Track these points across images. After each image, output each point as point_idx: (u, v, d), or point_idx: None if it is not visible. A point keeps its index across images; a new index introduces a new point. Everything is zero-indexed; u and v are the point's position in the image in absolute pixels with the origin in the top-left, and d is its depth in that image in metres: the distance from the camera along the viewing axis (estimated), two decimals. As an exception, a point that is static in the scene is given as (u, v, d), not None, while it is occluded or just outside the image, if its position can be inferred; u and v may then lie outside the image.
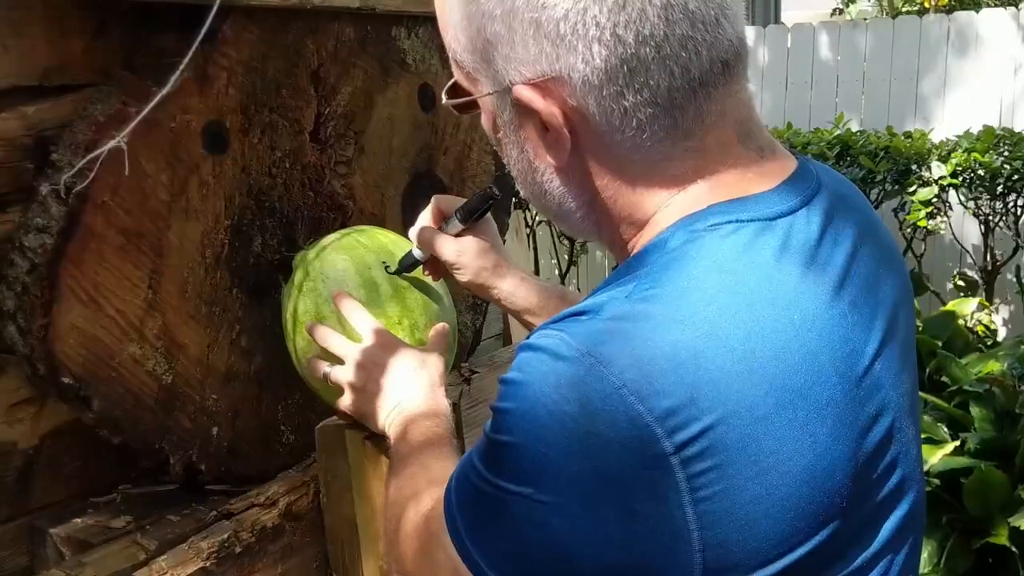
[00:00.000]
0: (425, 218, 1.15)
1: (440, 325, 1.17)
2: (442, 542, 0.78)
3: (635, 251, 0.79)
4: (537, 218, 5.30)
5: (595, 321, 0.72)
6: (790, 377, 0.70)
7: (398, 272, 1.17)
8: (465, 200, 1.12)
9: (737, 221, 0.74)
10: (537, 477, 0.69)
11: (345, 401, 1.10)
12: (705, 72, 0.73)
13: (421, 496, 0.91)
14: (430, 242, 1.12)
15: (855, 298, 0.77)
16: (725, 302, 0.70)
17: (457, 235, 1.11)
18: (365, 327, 1.11)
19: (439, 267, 1.16)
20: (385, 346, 1.09)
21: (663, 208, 0.78)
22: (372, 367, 1.08)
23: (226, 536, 1.10)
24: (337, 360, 1.11)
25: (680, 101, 0.73)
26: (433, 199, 1.15)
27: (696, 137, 0.76)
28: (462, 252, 1.11)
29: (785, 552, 0.70)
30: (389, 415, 1.05)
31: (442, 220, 1.14)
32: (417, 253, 1.15)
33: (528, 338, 0.75)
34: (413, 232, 1.15)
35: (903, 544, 0.82)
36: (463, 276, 1.13)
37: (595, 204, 0.81)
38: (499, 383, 0.74)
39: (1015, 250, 3.98)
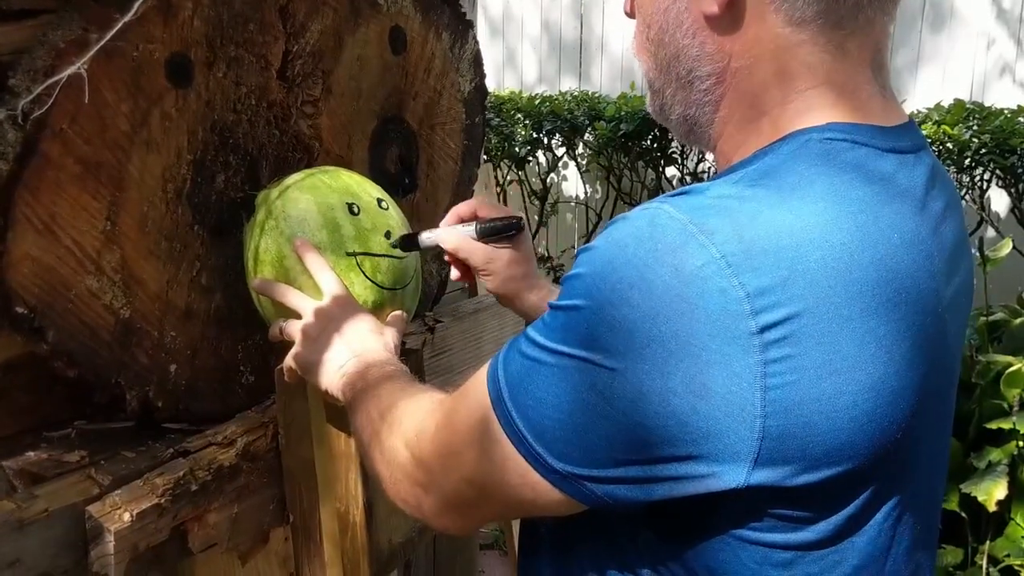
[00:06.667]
0: (454, 214, 1.16)
1: (398, 312, 1.17)
2: (477, 425, 0.78)
3: (744, 148, 0.80)
4: (508, 177, 5.28)
5: (700, 197, 0.73)
6: (880, 289, 0.70)
7: (396, 245, 1.16)
8: (492, 218, 1.14)
9: (853, 142, 0.76)
10: (609, 342, 0.69)
11: (295, 351, 1.09)
12: None
13: (420, 398, 0.91)
14: (460, 246, 1.14)
15: (942, 249, 0.79)
16: (832, 204, 0.71)
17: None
18: (327, 284, 1.10)
19: (466, 265, 1.17)
20: (345, 305, 1.09)
21: (786, 104, 0.78)
22: (329, 322, 1.07)
23: (182, 473, 1.09)
24: (292, 315, 1.10)
25: None
26: (476, 200, 1.18)
27: (843, 30, 0.77)
28: (491, 260, 1.14)
29: (834, 462, 0.70)
30: (344, 364, 1.04)
31: (464, 220, 1.16)
32: (426, 240, 1.16)
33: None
34: (443, 226, 1.16)
35: (918, 527, 0.83)
36: (491, 283, 1.15)
37: (727, 74, 0.81)
38: (577, 254, 0.75)
39: (979, 223, 4.02)
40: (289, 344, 1.11)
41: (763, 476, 0.69)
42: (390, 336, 1.09)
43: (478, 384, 0.80)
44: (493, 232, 1.13)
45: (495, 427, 0.76)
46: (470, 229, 1.14)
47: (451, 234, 1.14)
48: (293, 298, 1.10)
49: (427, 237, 1.17)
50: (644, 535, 0.79)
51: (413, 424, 0.88)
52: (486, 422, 0.77)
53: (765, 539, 0.74)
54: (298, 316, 1.10)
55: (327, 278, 1.10)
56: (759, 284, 0.67)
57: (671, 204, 0.72)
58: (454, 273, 1.20)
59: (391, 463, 0.90)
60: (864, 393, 0.70)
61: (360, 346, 1.05)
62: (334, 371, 1.05)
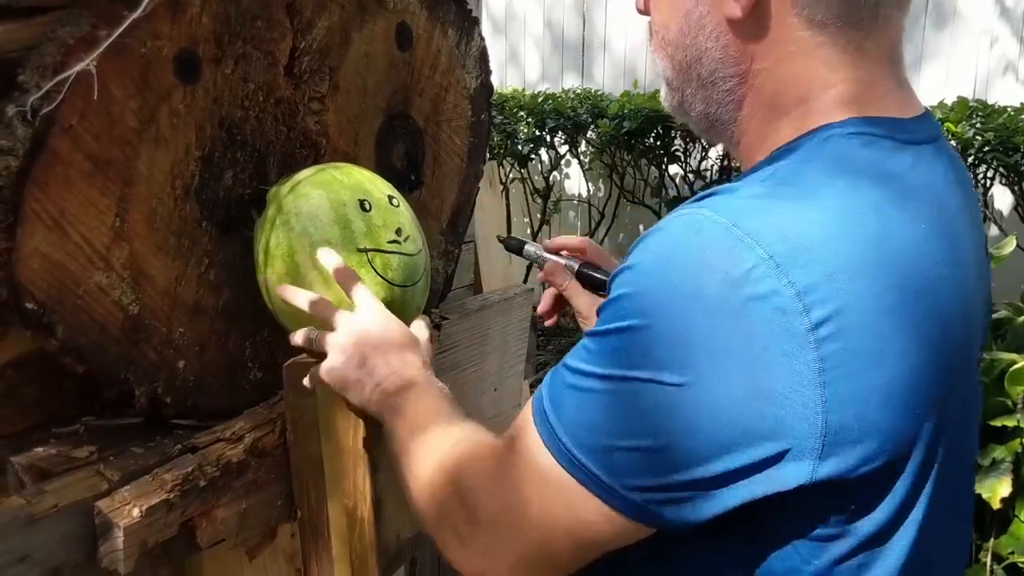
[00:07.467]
0: (563, 244, 1.25)
1: (424, 317, 1.17)
2: (540, 478, 0.76)
3: (766, 146, 0.81)
4: (511, 175, 5.28)
5: (735, 198, 0.73)
6: (913, 278, 0.72)
7: (505, 242, 1.32)
8: (596, 266, 1.22)
9: (872, 135, 0.77)
10: (668, 357, 0.69)
11: (328, 366, 1.07)
12: None
13: (467, 444, 0.88)
14: (568, 286, 1.21)
15: (964, 236, 0.81)
16: (858, 198, 0.72)
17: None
18: (359, 295, 1.08)
19: (557, 307, 1.26)
20: (379, 317, 1.07)
21: (807, 102, 0.79)
22: (364, 335, 1.05)
23: (190, 469, 1.09)
24: (322, 325, 1.10)
25: None
26: (588, 243, 1.25)
27: (863, 31, 0.78)
28: (593, 306, 1.17)
29: (887, 450, 0.72)
30: (382, 382, 1.02)
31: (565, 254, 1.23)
32: (530, 252, 1.28)
33: (652, 228, 0.75)
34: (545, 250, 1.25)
35: (951, 519, 0.84)
36: (588, 326, 1.17)
37: (749, 75, 0.82)
38: (615, 277, 0.74)
39: (983, 221, 4.02)
40: (301, 348, 1.11)
41: (827, 470, 0.70)
42: (425, 349, 1.08)
43: (529, 434, 0.77)
44: (591, 282, 1.21)
45: (561, 476, 0.74)
46: (572, 265, 1.22)
47: (559, 269, 1.22)
48: (324, 309, 1.08)
49: (532, 252, 1.28)
50: (707, 544, 0.78)
51: (465, 481, 0.84)
52: (549, 472, 0.75)
53: (826, 533, 0.75)
54: (318, 322, 1.09)
55: (358, 288, 1.08)
56: (807, 281, 0.68)
57: (709, 208, 0.72)
58: (543, 306, 1.27)
59: (443, 519, 0.86)
60: (908, 379, 0.71)
61: (398, 362, 1.03)
62: (370, 389, 1.03)
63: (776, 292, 0.67)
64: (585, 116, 4.82)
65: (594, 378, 0.73)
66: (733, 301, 0.67)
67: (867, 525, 0.75)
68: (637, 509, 0.73)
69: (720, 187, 0.75)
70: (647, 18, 0.90)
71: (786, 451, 0.69)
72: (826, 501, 0.73)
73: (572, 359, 0.76)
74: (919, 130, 0.81)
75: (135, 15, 1.00)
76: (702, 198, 0.75)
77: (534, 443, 0.76)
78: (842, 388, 0.68)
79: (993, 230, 4.18)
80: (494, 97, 1.64)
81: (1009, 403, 2.52)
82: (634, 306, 0.71)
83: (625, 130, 4.61)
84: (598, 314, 0.75)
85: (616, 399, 0.71)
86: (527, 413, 0.79)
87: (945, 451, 0.79)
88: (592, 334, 0.74)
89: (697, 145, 4.69)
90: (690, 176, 4.75)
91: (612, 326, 0.72)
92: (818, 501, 0.73)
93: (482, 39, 1.55)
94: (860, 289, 0.69)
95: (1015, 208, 3.99)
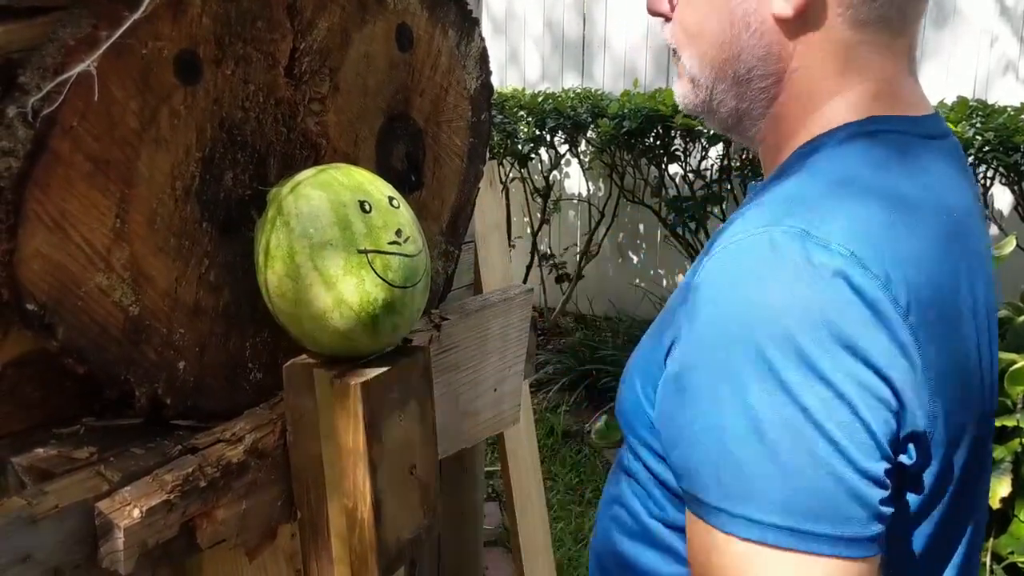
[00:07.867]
0: None
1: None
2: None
3: (792, 142, 0.83)
4: (511, 175, 5.28)
5: (791, 204, 0.73)
6: (952, 269, 0.75)
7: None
8: None
9: (896, 132, 0.79)
10: (808, 368, 0.67)
11: None
12: None
13: None
14: None
15: (978, 225, 0.84)
16: (886, 192, 0.74)
17: None
18: None
19: None
20: None
21: (834, 99, 0.81)
22: None
23: (191, 470, 1.10)
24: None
25: None
26: None
27: (893, 32, 0.80)
28: None
29: (959, 430, 0.74)
30: None
31: None
32: None
33: (710, 259, 0.73)
34: None
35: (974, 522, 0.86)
36: None
37: (786, 73, 0.82)
38: (696, 302, 0.71)
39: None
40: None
41: (936, 443, 0.72)
42: None
43: (717, 548, 0.71)
44: None
45: (800, 560, 0.68)
46: None
47: None
48: None
49: None
50: None
51: None
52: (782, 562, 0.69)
53: (910, 522, 0.76)
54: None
55: None
56: (882, 270, 0.69)
57: (774, 218, 0.71)
58: None
59: None
60: (962, 362, 0.74)
61: None
62: None
63: (866, 283, 0.68)
64: (585, 116, 4.82)
65: (734, 439, 0.69)
66: (837, 303, 0.67)
67: (940, 509, 0.77)
68: (869, 542, 0.69)
69: (764, 198, 0.75)
70: (652, 17, 0.90)
71: (908, 440, 0.70)
72: (925, 486, 0.74)
73: (684, 419, 0.74)
74: (935, 126, 0.83)
75: (136, 16, 1.00)
76: (754, 212, 0.74)
77: (732, 553, 0.70)
78: (933, 374, 0.70)
79: (993, 230, 4.18)
80: (494, 97, 1.64)
81: (1009, 403, 2.52)
82: (742, 337, 0.68)
83: (625, 129, 4.61)
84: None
85: (792, 441, 0.68)
86: (702, 544, 0.72)
87: (977, 443, 0.81)
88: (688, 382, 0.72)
89: (697, 145, 4.68)
90: (690, 176, 4.75)
91: (735, 368, 0.68)
92: (921, 485, 0.74)
93: (482, 40, 1.55)
94: (922, 276, 0.71)
95: (1015, 208, 3.99)
